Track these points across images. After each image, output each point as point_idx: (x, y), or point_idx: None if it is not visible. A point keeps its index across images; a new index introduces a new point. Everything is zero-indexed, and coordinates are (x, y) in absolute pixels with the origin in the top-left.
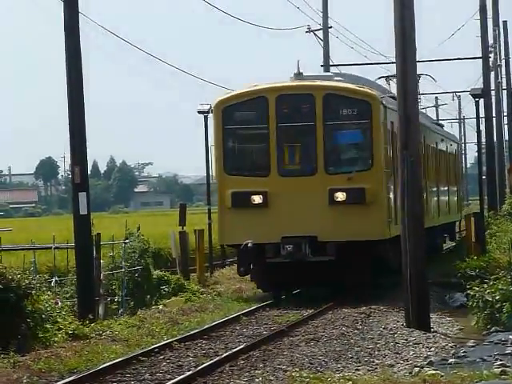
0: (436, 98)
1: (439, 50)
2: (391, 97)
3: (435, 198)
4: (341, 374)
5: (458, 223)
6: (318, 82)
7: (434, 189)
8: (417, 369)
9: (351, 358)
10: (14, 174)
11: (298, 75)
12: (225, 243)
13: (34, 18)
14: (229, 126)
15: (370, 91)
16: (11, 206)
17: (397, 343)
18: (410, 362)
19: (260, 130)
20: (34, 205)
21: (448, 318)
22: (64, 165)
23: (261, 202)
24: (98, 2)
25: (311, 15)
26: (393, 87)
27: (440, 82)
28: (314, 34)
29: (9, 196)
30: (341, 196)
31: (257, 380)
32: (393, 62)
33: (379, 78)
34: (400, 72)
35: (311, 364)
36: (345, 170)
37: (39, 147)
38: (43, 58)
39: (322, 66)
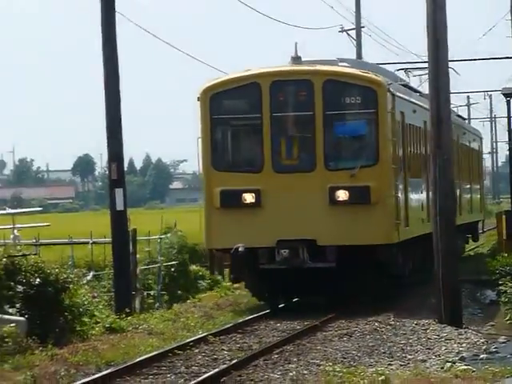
0: (468, 97)
1: (471, 49)
2: (403, 85)
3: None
4: (373, 369)
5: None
6: (318, 67)
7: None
8: (449, 364)
9: (384, 352)
10: (51, 171)
11: (296, 59)
12: (212, 247)
13: (72, 20)
14: (217, 116)
15: (375, 77)
16: (49, 201)
17: (429, 339)
18: (442, 357)
19: (252, 121)
20: (71, 200)
21: (479, 315)
22: (101, 161)
23: (253, 201)
24: None
25: (344, 15)
26: (412, 81)
27: (472, 81)
28: (347, 33)
29: (46, 192)
30: (342, 195)
31: (290, 374)
32: (425, 62)
33: (398, 69)
34: (432, 72)
35: (344, 358)
36: (347, 165)
37: (77, 144)
38: (81, 58)
39: None
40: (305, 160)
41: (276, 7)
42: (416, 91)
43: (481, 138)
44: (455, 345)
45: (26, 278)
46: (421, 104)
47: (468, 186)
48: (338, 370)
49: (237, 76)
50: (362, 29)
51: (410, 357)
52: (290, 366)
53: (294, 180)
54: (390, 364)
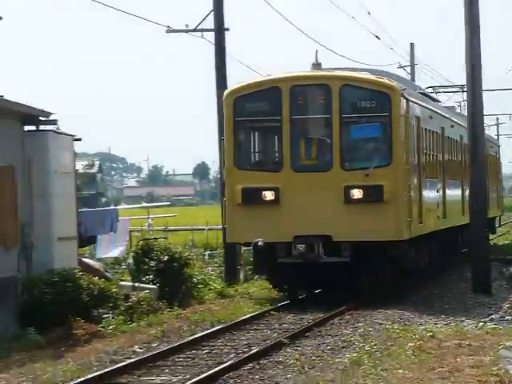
0: (497, 118)
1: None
2: (421, 93)
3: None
4: (423, 327)
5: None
6: (335, 73)
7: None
8: (481, 323)
9: (431, 314)
10: (176, 174)
11: (316, 65)
12: (233, 241)
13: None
14: (240, 118)
15: (389, 82)
16: (174, 198)
17: (466, 304)
18: (476, 318)
19: (273, 122)
20: (191, 197)
21: (505, 286)
22: (215, 167)
23: (272, 198)
24: None
25: (401, 53)
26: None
27: (500, 104)
28: (404, 69)
29: (173, 190)
30: (357, 193)
31: (359, 330)
32: (464, 91)
33: (428, 87)
34: (469, 100)
35: (401, 319)
36: (362, 165)
37: (196, 153)
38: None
39: None
40: (322, 160)
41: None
42: (435, 100)
43: (498, 146)
44: (486, 309)
45: (157, 256)
46: (438, 111)
47: (491, 187)
48: (395, 327)
49: (259, 80)
50: (416, 65)
51: (451, 318)
52: (359, 324)
53: (311, 179)
54: (435, 323)
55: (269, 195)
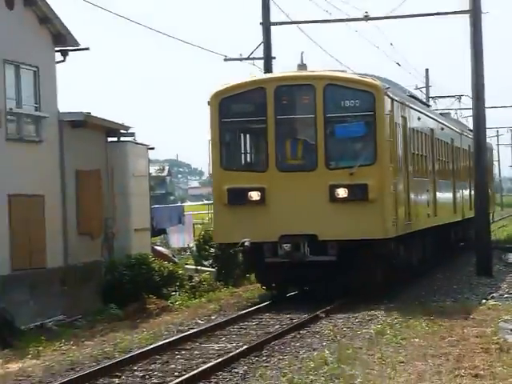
0: (497, 131)
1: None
2: (411, 96)
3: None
4: (435, 303)
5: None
6: (319, 73)
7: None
8: (484, 300)
9: (442, 293)
10: None
11: (301, 66)
12: (220, 242)
13: None
14: (226, 119)
15: (372, 81)
16: None
17: (471, 284)
18: (479, 296)
19: (258, 123)
20: None
21: (503, 269)
22: None
23: (258, 198)
24: None
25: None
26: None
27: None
28: (420, 90)
29: None
30: (342, 192)
31: (382, 306)
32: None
33: (430, 97)
34: (474, 116)
35: (417, 297)
36: (346, 164)
37: None
38: None
39: None
40: (307, 160)
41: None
42: (426, 104)
43: (491, 150)
44: (487, 288)
45: (216, 244)
46: (427, 113)
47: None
48: (413, 304)
49: (244, 81)
50: (430, 87)
51: (458, 296)
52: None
53: (296, 179)
54: (445, 300)
55: (255, 195)
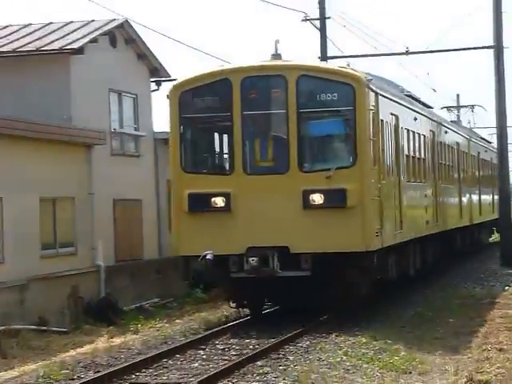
0: None
1: None
2: (408, 95)
3: (493, 199)
4: (466, 290)
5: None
6: (291, 62)
7: (490, 193)
8: (507, 287)
9: (472, 281)
10: None
11: (276, 56)
12: (181, 254)
13: None
14: (187, 115)
15: (352, 72)
16: None
17: (496, 273)
18: (503, 283)
19: (223, 119)
20: None
21: None
22: None
23: (223, 205)
24: None
25: (449, 100)
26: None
27: None
28: (448, 109)
29: None
30: (317, 198)
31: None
32: (401, 53)
33: (442, 108)
34: (498, 129)
35: (451, 284)
36: (322, 167)
37: None
38: None
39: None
40: (277, 161)
41: None
42: (427, 106)
43: None
44: (510, 277)
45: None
46: (427, 115)
47: (496, 192)
48: (447, 290)
49: (207, 72)
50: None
51: (485, 283)
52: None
53: (265, 183)
54: (474, 287)
55: (219, 201)
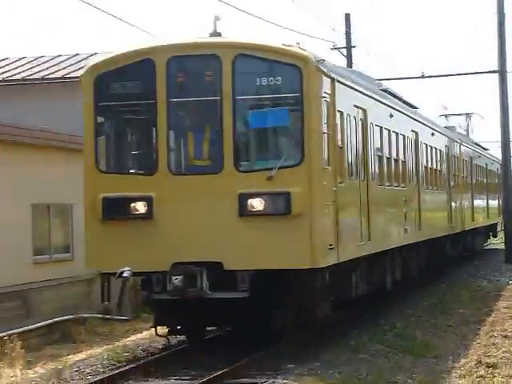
0: None
1: None
2: (384, 90)
3: (488, 204)
4: (475, 283)
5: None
6: (226, 39)
7: (485, 199)
8: (511, 282)
9: (479, 276)
10: None
11: (214, 35)
12: (94, 268)
13: None
14: (103, 103)
15: (300, 51)
16: None
17: (501, 269)
18: (507, 277)
19: (145, 108)
20: None
21: None
22: None
23: (144, 211)
24: None
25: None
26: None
27: None
28: (460, 126)
29: None
30: (257, 204)
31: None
32: (417, 77)
33: (440, 115)
34: (502, 143)
35: (461, 280)
36: (263, 166)
37: None
38: None
39: None
40: (209, 159)
41: None
42: (412, 106)
43: (499, 163)
44: None
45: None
46: (408, 113)
47: (491, 197)
48: (455, 284)
49: (128, 51)
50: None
51: (491, 278)
52: (430, 284)
53: (194, 185)
54: (482, 281)
55: (140, 207)
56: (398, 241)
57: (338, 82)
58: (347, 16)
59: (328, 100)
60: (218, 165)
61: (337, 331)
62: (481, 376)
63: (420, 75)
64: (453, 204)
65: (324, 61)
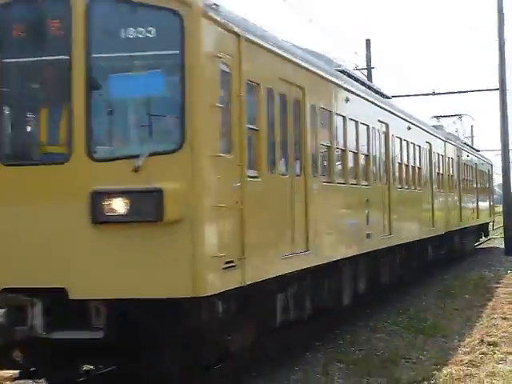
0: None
1: None
2: (341, 71)
3: (477, 204)
4: (478, 273)
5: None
6: None
7: (474, 199)
8: (509, 271)
9: (482, 266)
10: None
11: None
12: None
13: None
14: None
15: None
16: None
17: (501, 260)
18: (507, 267)
19: None
20: None
21: None
22: None
23: None
24: None
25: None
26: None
27: None
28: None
29: None
30: (117, 206)
31: (443, 277)
32: (429, 94)
33: (432, 117)
34: (503, 152)
35: (464, 269)
36: (127, 152)
37: None
38: None
39: None
40: (53, 143)
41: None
42: (384, 96)
43: (491, 165)
44: None
45: None
46: (372, 100)
47: (481, 198)
48: (463, 274)
49: None
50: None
51: (493, 268)
52: (444, 275)
53: (31, 179)
54: (484, 271)
55: None
56: (358, 248)
57: (250, 41)
58: (367, 41)
59: (228, 64)
60: (67, 151)
61: (357, 314)
62: (483, 353)
63: (431, 92)
64: (436, 204)
65: (219, 6)
